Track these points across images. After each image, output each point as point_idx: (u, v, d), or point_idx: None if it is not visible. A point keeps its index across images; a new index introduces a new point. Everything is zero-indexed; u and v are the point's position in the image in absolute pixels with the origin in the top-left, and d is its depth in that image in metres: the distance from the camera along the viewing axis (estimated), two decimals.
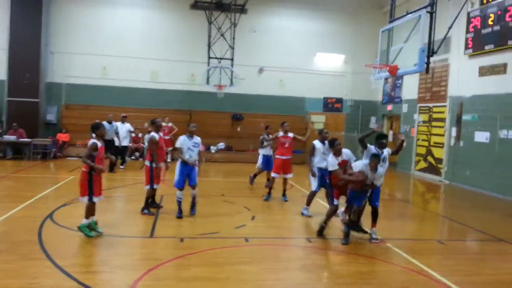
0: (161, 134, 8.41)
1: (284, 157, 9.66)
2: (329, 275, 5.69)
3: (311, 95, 19.43)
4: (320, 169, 8.14)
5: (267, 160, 11.02)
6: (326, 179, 7.72)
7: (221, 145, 18.16)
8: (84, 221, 6.39)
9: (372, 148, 6.79)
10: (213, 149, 17.90)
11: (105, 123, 13.72)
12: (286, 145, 9.73)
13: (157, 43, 18.29)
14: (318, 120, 19.52)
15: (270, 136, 10.99)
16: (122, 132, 14.01)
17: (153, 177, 7.99)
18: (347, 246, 6.58)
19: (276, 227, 7.94)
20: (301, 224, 8.14)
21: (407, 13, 8.61)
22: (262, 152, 11.25)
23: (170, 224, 7.46)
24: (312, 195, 8.46)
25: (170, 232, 7.01)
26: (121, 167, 14.06)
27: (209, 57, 16.96)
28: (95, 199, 6.41)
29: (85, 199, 6.36)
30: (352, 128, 19.66)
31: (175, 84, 18.39)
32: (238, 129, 18.49)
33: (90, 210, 6.41)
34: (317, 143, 8.31)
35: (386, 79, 17.36)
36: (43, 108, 17.28)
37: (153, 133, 8.12)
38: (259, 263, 5.80)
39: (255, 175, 11.70)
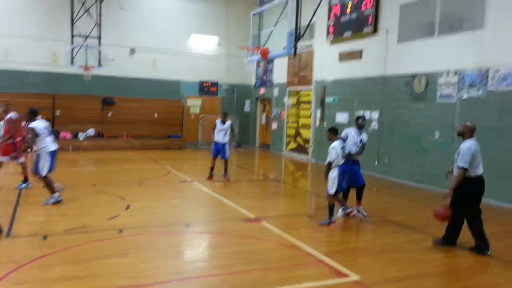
0: None
1: None
2: (207, 258, 5.71)
3: (186, 78, 19.09)
4: None
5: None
6: None
7: (91, 131, 16.91)
8: None
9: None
10: (81, 136, 16.58)
11: None
12: None
13: (9, 17, 16.06)
14: (195, 104, 19.41)
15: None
16: None
17: None
18: (223, 228, 6.67)
19: (152, 214, 7.66)
20: (179, 210, 8.02)
21: None
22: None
23: (31, 221, 6.70)
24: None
25: (31, 229, 6.29)
26: None
27: (73, 35, 15.51)
28: None
29: None
30: (228, 112, 19.94)
31: (34, 64, 16.40)
32: (109, 114, 17.43)
33: None
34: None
35: (258, 63, 17.93)
36: None
37: None
38: (135, 254, 5.53)
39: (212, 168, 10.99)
